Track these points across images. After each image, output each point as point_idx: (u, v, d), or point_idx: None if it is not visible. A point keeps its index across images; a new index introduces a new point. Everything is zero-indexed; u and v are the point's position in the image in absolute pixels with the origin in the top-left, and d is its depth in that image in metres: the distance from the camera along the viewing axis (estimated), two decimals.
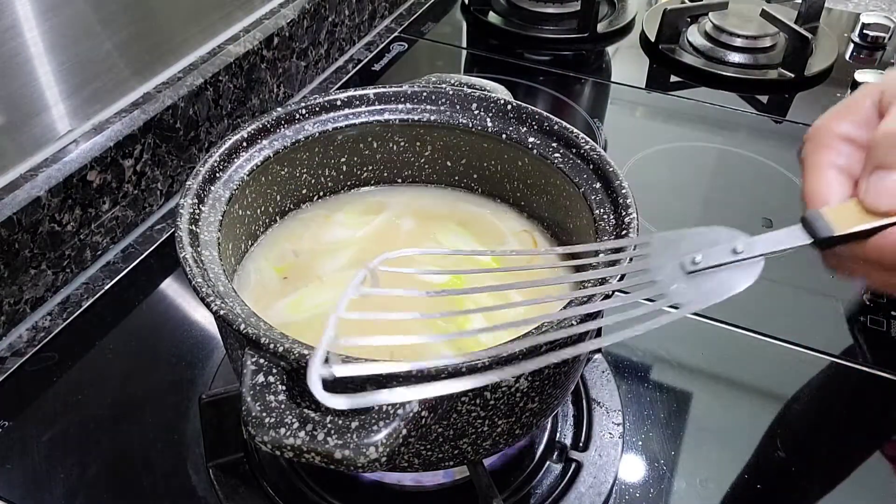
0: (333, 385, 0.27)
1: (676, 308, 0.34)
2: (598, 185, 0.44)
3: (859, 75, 0.83)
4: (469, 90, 0.49)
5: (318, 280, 0.46)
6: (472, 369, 0.32)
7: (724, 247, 0.35)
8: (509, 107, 0.48)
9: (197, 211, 0.41)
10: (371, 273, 0.34)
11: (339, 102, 0.48)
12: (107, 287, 0.59)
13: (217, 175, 0.43)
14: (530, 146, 0.47)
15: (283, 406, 0.32)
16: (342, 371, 0.28)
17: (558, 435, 0.49)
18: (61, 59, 0.55)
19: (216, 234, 0.41)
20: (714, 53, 0.87)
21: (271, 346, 0.33)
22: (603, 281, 0.37)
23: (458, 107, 0.49)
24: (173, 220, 0.52)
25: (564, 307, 0.37)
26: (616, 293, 0.36)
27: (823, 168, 0.37)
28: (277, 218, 0.50)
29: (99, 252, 0.61)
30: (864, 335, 0.57)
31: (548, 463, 0.48)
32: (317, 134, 0.48)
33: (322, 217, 0.51)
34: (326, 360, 0.28)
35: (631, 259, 0.37)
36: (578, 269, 0.47)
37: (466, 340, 0.42)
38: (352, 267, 0.47)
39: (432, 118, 0.49)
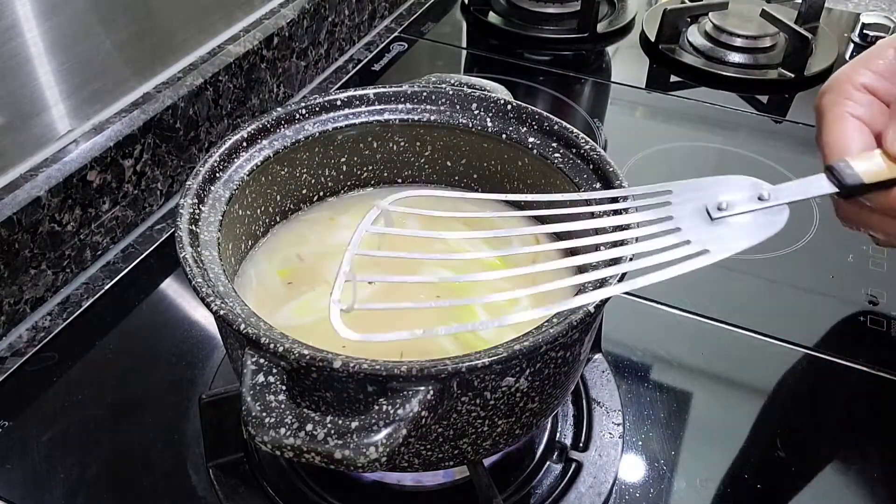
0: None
1: (706, 253, 0.34)
2: (598, 185, 0.44)
3: None
4: (469, 90, 0.49)
5: (325, 284, 0.46)
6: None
7: (748, 194, 0.35)
8: (509, 107, 0.48)
9: (197, 211, 0.41)
10: (384, 213, 0.35)
11: (339, 102, 0.48)
12: (107, 287, 0.59)
13: (217, 175, 0.43)
14: (530, 146, 0.47)
15: (283, 406, 0.32)
16: (359, 305, 0.33)
17: (558, 435, 0.49)
18: (61, 59, 0.55)
19: (216, 234, 0.41)
20: (714, 53, 0.87)
21: (271, 346, 0.33)
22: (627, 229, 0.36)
23: (458, 107, 0.49)
24: (173, 219, 0.52)
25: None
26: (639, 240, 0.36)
27: (844, 118, 0.37)
28: (278, 218, 0.50)
29: (99, 252, 0.61)
30: (864, 335, 0.57)
31: (548, 463, 0.48)
32: (317, 134, 0.48)
33: (326, 219, 0.51)
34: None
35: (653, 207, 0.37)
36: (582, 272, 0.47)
37: (469, 335, 0.42)
38: (359, 270, 0.46)
39: (432, 118, 0.49)
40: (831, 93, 0.39)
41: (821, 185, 0.36)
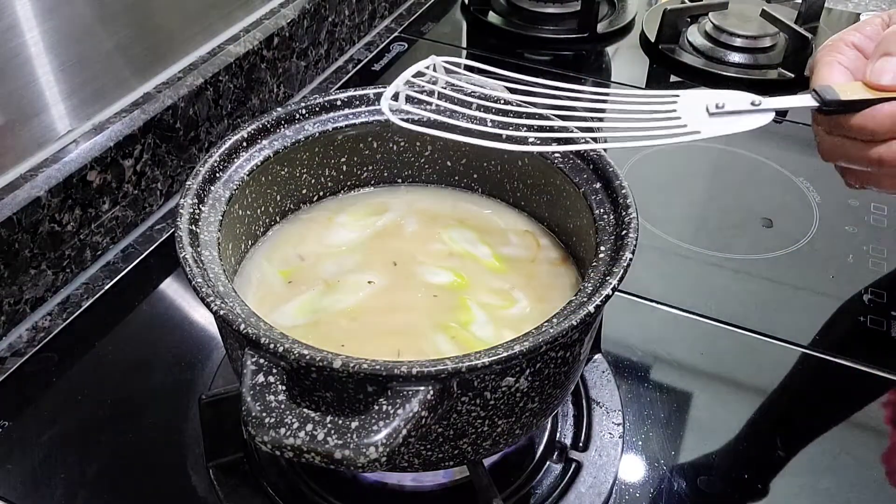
0: None
1: (697, 132, 0.41)
2: (598, 185, 0.44)
3: None
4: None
5: (324, 284, 0.46)
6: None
7: (743, 99, 0.43)
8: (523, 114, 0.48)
9: (197, 211, 0.41)
10: (434, 65, 0.43)
11: (339, 102, 0.48)
12: (107, 287, 0.59)
13: (217, 175, 0.43)
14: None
15: (283, 406, 0.32)
16: (405, 106, 0.42)
17: (558, 435, 0.49)
18: (61, 59, 0.55)
19: (216, 234, 0.41)
20: (714, 53, 0.87)
21: (271, 346, 0.33)
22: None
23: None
24: (173, 220, 0.52)
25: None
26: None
27: (833, 64, 0.45)
28: (278, 218, 0.50)
29: (99, 252, 0.61)
30: (864, 335, 0.57)
31: (548, 463, 0.48)
32: (317, 134, 0.48)
33: (325, 219, 0.51)
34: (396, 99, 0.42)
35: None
36: (581, 272, 0.47)
37: (466, 337, 0.42)
38: (357, 270, 0.47)
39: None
40: (826, 48, 0.47)
41: (805, 99, 0.43)
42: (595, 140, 0.44)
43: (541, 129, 0.46)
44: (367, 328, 0.43)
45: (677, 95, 0.43)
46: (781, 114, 0.81)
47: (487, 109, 0.45)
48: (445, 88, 0.43)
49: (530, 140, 0.46)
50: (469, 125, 0.43)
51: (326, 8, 0.81)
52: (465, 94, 0.44)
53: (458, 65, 0.44)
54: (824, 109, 0.43)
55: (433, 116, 0.42)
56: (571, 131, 0.45)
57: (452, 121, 0.41)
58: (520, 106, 0.44)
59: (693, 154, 0.76)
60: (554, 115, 0.44)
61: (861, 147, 0.44)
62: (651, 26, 0.91)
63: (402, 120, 0.41)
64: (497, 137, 0.42)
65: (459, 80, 0.45)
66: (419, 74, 0.43)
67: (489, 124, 0.44)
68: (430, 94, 0.43)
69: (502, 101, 0.44)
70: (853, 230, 0.66)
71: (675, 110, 0.42)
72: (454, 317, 0.43)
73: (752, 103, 0.42)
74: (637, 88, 0.86)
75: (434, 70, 0.43)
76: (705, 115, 0.42)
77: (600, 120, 0.43)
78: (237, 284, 0.45)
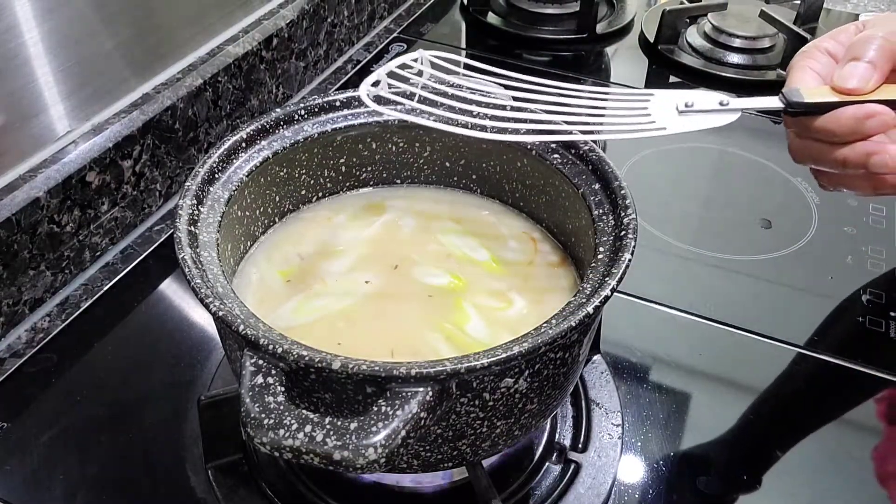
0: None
1: (664, 129, 0.43)
2: (597, 186, 0.44)
3: None
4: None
5: (322, 283, 0.46)
6: None
7: (712, 99, 0.44)
8: (508, 107, 0.48)
9: (196, 212, 0.41)
10: (421, 58, 0.44)
11: (338, 103, 0.48)
12: (106, 288, 0.59)
13: (216, 176, 0.43)
14: (529, 147, 0.47)
15: (281, 407, 0.32)
16: (384, 93, 0.42)
17: (557, 436, 0.49)
18: (61, 59, 0.55)
19: (215, 235, 0.41)
20: (713, 54, 0.87)
21: (270, 347, 0.33)
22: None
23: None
24: (172, 220, 0.52)
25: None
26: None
27: (805, 69, 0.47)
28: (277, 219, 0.50)
29: (98, 253, 0.61)
30: (862, 336, 0.57)
31: (547, 464, 0.48)
32: (316, 135, 0.48)
33: (324, 219, 0.51)
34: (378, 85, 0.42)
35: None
36: (579, 273, 0.47)
37: (462, 338, 0.42)
38: (356, 269, 0.47)
39: None
40: (801, 54, 0.48)
41: (772, 101, 0.45)
42: (565, 132, 0.45)
43: (511, 119, 0.46)
44: (362, 328, 0.43)
45: (651, 94, 0.45)
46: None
47: (457, 98, 0.45)
48: (430, 80, 0.43)
49: (491, 128, 0.45)
50: (443, 113, 0.43)
51: (325, 9, 0.81)
52: (444, 85, 0.44)
53: (451, 61, 0.44)
54: (789, 111, 0.45)
55: (412, 105, 0.43)
56: (543, 123, 0.45)
57: (430, 108, 0.42)
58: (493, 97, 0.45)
59: (693, 155, 0.76)
60: (529, 108, 0.45)
61: (827, 149, 0.45)
62: (650, 27, 0.91)
63: (378, 103, 0.41)
64: (469, 126, 0.43)
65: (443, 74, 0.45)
66: (405, 66, 0.43)
67: (456, 111, 0.44)
68: (415, 85, 0.43)
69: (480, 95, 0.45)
70: (852, 231, 0.66)
71: (646, 108, 0.44)
72: (449, 317, 0.43)
73: (721, 103, 0.44)
74: (634, 89, 0.86)
75: (421, 63, 0.43)
76: (674, 113, 0.44)
77: (573, 115, 0.43)
78: (236, 285, 0.45)
